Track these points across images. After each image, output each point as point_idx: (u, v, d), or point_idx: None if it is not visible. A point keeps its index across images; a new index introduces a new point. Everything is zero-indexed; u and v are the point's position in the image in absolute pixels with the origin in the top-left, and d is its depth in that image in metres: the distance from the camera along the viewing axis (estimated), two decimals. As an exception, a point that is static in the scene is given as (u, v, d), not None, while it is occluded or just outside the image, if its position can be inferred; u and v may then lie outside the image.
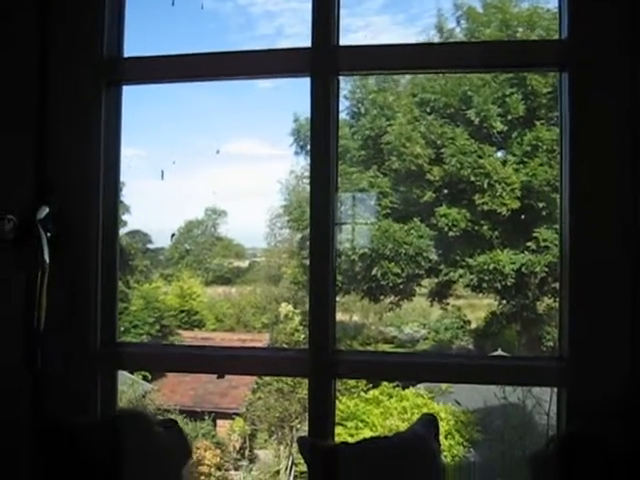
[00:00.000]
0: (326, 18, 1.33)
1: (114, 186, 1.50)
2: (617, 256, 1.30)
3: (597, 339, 1.32)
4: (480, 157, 7.37)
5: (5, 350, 1.41)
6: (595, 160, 1.31)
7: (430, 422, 1.27)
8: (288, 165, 8.98)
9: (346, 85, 7.65)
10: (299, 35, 8.60)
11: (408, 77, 8.01)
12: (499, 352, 7.53)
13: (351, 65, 1.41)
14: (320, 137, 1.39)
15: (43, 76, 1.45)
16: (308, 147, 7.89)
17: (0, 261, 1.38)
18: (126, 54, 1.51)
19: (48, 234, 1.36)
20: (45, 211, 1.38)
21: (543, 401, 6.25)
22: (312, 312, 1.40)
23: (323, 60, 1.33)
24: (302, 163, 8.26)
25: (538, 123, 7.39)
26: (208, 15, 9.23)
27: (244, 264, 9.70)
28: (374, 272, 7.61)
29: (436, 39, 8.16)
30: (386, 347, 8.67)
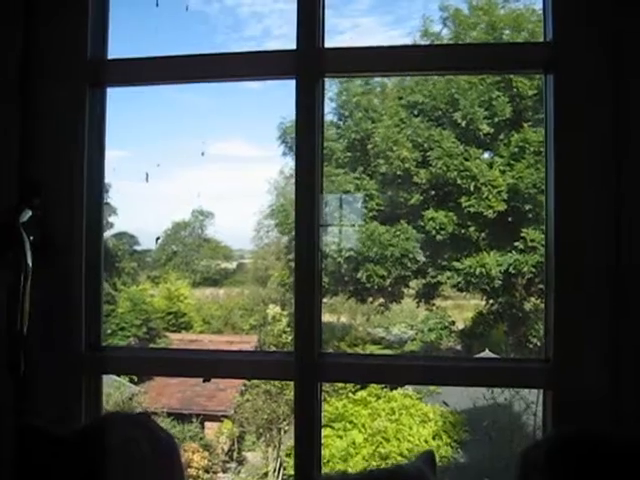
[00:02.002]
0: (311, 20, 1.33)
1: (99, 188, 1.49)
2: (601, 256, 1.30)
3: (582, 340, 1.32)
4: (467, 159, 7.40)
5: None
6: (579, 161, 1.32)
7: (429, 458, 1.28)
8: (275, 166, 8.98)
9: (331, 87, 7.66)
10: (287, 36, 8.59)
11: (394, 80, 8.03)
12: (486, 352, 7.56)
13: (336, 67, 1.41)
14: (305, 139, 1.38)
15: (26, 78, 1.44)
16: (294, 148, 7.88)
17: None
18: (110, 56, 1.50)
19: (31, 237, 1.34)
20: (28, 214, 1.36)
21: (531, 402, 6.28)
22: (297, 315, 1.39)
23: (308, 62, 1.33)
24: (290, 164, 8.27)
25: (525, 125, 7.44)
26: (195, 16, 9.22)
27: (232, 266, 9.68)
28: (360, 274, 7.63)
29: (422, 41, 8.19)
30: (374, 348, 8.69)
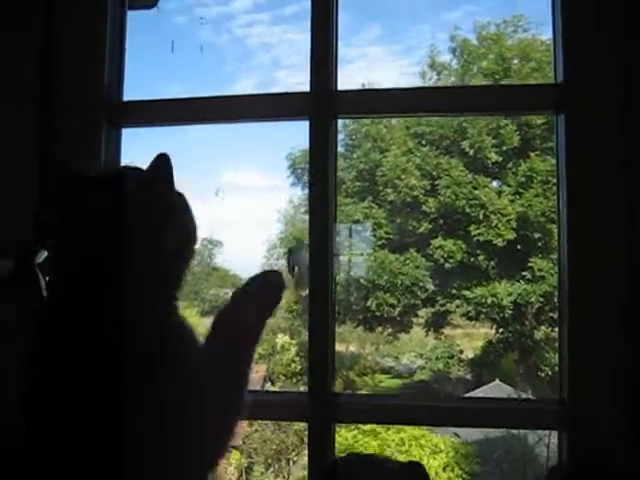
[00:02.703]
0: (325, 63, 1.35)
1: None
2: (614, 287, 1.30)
3: (597, 377, 1.31)
4: (475, 188, 7.42)
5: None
6: (592, 193, 1.33)
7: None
8: (285, 195, 9.01)
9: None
10: (296, 66, 8.71)
11: (403, 109, 8.10)
12: (497, 382, 7.50)
13: (349, 109, 1.43)
14: (319, 175, 1.40)
15: (43, 120, 1.46)
16: (304, 178, 7.93)
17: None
18: (125, 97, 1.52)
19: (47, 278, 1.35)
20: (44, 255, 1.37)
21: (543, 435, 6.21)
22: (312, 354, 1.39)
23: (322, 105, 1.35)
24: (299, 194, 8.30)
25: (532, 154, 7.46)
26: (205, 46, 9.34)
27: (240, 295, 9.65)
28: (369, 303, 7.62)
29: (430, 71, 8.26)
30: (383, 377, 8.64)
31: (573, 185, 1.34)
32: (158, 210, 1.11)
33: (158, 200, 1.10)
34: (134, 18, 1.58)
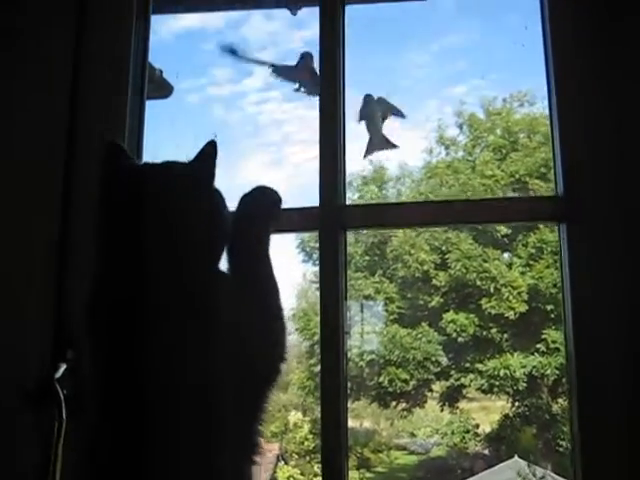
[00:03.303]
0: (333, 178, 1.41)
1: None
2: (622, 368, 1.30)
3: (610, 456, 1.29)
4: (485, 261, 7.46)
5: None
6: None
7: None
8: (296, 273, 9.05)
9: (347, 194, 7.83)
10: (306, 142, 8.89)
11: (410, 185, 8.22)
12: (515, 459, 7.33)
13: (357, 223, 1.49)
14: (329, 289, 1.43)
15: (64, 213, 1.48)
16: (314, 256, 7.97)
17: (19, 422, 1.40)
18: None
19: (64, 391, 1.38)
20: (62, 368, 1.40)
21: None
22: (324, 434, 1.38)
23: (330, 219, 1.40)
24: (311, 269, 8.33)
25: (541, 226, 7.51)
26: (217, 123, 9.57)
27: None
28: (382, 378, 7.56)
29: (438, 147, 8.42)
30: (398, 454, 8.48)
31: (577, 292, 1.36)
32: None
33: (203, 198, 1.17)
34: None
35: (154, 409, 1.07)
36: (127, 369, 1.08)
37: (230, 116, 10.87)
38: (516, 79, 9.35)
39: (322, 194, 1.39)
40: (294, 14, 2.05)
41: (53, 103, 1.51)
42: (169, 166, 1.20)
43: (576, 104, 1.39)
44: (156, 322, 1.09)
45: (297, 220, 1.44)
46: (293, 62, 2.75)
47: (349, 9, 1.57)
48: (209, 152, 1.17)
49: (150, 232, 1.13)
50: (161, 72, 2.64)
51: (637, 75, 1.38)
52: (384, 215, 1.45)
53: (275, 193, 1.24)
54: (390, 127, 3.20)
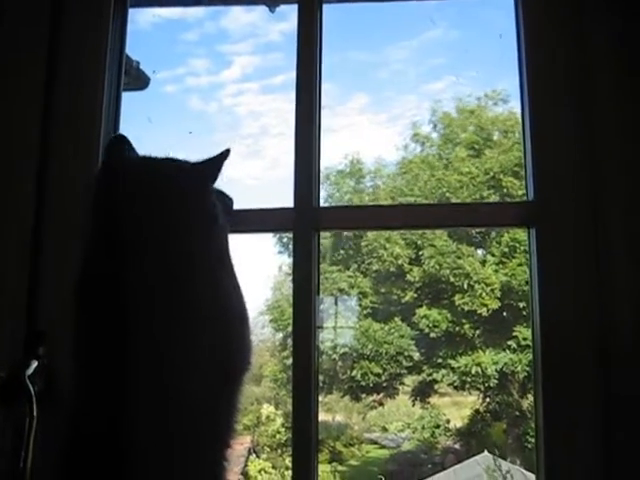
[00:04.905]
0: (308, 181, 1.42)
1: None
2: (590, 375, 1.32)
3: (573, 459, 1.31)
4: (459, 257, 7.51)
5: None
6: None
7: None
8: (273, 263, 9.05)
9: (323, 186, 7.84)
10: (283, 135, 8.88)
11: (386, 180, 8.24)
12: (485, 454, 7.42)
13: (331, 224, 1.50)
14: (302, 286, 1.44)
15: (39, 202, 1.47)
16: (290, 247, 7.95)
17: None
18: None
19: (36, 387, 1.37)
20: (34, 365, 1.39)
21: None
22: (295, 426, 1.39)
23: (304, 220, 1.41)
24: (287, 261, 8.33)
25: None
26: (194, 115, 9.52)
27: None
28: (355, 372, 7.60)
29: (413, 143, 8.46)
30: (370, 448, 8.53)
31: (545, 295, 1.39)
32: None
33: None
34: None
35: (138, 387, 1.12)
36: (113, 345, 1.14)
37: (208, 107, 10.80)
38: (492, 78, 9.41)
39: (297, 196, 1.40)
40: (272, 11, 2.06)
41: (27, 96, 1.49)
42: (170, 162, 1.26)
43: (548, 108, 1.41)
44: (144, 302, 1.15)
45: (271, 220, 1.45)
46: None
47: (327, 7, 1.57)
48: (220, 158, 1.25)
49: (142, 217, 1.20)
50: (138, 64, 2.62)
51: (609, 79, 1.39)
52: (357, 217, 1.47)
53: (228, 198, 1.33)
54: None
